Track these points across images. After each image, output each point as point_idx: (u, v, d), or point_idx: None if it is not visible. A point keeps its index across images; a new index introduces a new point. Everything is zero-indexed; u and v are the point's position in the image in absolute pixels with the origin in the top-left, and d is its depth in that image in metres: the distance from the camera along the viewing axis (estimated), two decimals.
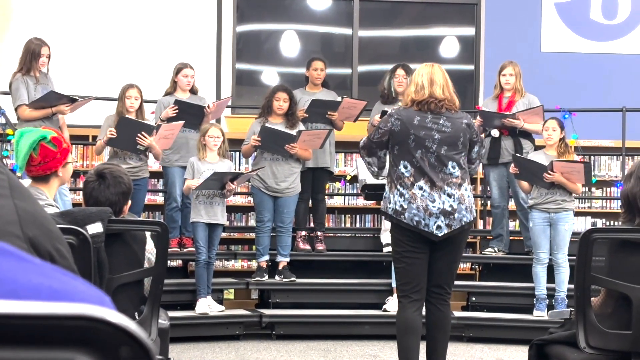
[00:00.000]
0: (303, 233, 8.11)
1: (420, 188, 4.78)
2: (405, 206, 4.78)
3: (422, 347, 4.95)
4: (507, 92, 7.81)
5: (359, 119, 8.05)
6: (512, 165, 7.34)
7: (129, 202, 3.93)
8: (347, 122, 8.03)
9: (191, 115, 7.56)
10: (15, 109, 7.23)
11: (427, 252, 4.84)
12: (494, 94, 7.91)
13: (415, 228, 4.77)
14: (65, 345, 0.82)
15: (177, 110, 7.50)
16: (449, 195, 4.79)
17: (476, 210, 9.33)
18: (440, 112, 4.84)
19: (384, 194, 4.97)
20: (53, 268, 0.98)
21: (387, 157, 5.02)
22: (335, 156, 8.28)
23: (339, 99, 7.97)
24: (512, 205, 8.20)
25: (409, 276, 4.84)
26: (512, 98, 7.78)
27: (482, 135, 8.09)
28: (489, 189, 8.23)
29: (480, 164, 8.25)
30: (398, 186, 4.83)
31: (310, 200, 8.13)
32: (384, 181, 5.11)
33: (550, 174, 7.03)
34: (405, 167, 4.82)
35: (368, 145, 4.99)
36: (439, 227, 4.77)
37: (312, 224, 8.27)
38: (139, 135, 7.17)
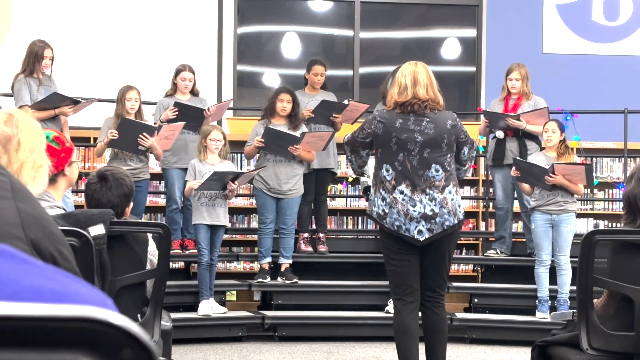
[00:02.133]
0: (305, 235, 8.11)
1: (401, 192, 4.74)
2: (387, 210, 4.75)
3: (422, 348, 4.95)
4: (513, 95, 7.82)
5: (360, 120, 8.05)
6: (514, 168, 7.33)
7: (131, 204, 3.93)
8: (347, 124, 8.05)
9: (191, 117, 7.56)
10: None
11: (416, 254, 4.80)
12: (502, 96, 7.91)
13: (396, 233, 4.75)
14: (68, 347, 0.82)
15: (176, 113, 7.50)
16: (431, 199, 4.74)
17: (478, 212, 9.41)
18: (424, 113, 4.77)
19: (370, 197, 4.95)
20: (55, 270, 0.98)
21: (370, 158, 5.00)
22: (337, 158, 8.28)
23: (346, 101, 7.98)
24: (516, 206, 8.19)
25: (400, 279, 4.82)
26: (518, 101, 7.78)
27: (477, 137, 8.11)
28: (492, 190, 8.22)
29: (486, 165, 8.27)
30: (381, 190, 4.80)
31: (312, 202, 8.13)
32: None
33: (551, 177, 7.03)
34: (387, 171, 4.78)
35: (352, 142, 4.93)
36: (420, 232, 4.73)
37: (314, 226, 8.27)
38: (140, 136, 7.18)
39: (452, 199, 4.78)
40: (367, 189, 7.54)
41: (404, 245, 4.78)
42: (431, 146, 4.75)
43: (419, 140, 4.74)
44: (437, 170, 4.76)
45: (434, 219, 4.72)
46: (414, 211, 4.71)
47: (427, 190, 4.73)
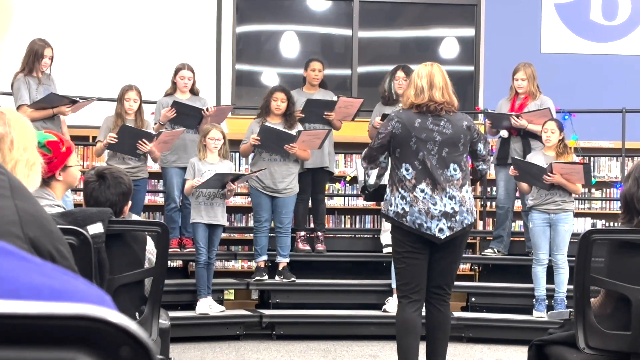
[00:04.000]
0: (303, 233, 8.11)
1: (422, 191, 4.80)
2: (407, 209, 4.79)
3: (422, 347, 4.96)
4: (520, 95, 7.83)
5: (358, 119, 8.06)
6: (512, 167, 7.34)
7: (130, 202, 3.94)
8: (346, 123, 8.04)
9: (189, 116, 7.56)
10: (17, 109, 7.24)
11: (427, 253, 4.86)
12: (509, 95, 7.92)
13: (417, 231, 4.79)
14: (66, 345, 0.83)
15: (175, 112, 7.50)
16: (451, 198, 4.80)
17: (476, 212, 9.40)
18: (440, 114, 4.84)
19: (385, 196, 4.98)
20: (54, 268, 0.99)
21: (388, 162, 5.02)
22: (334, 157, 8.28)
23: (335, 98, 7.97)
24: (518, 205, 8.20)
25: (409, 277, 4.85)
26: (524, 100, 7.79)
27: (489, 136, 8.13)
28: (495, 189, 8.23)
29: (491, 165, 8.28)
30: (400, 189, 4.84)
31: (310, 201, 8.13)
32: (385, 182, 5.11)
33: (550, 176, 7.04)
34: (407, 170, 4.83)
35: (368, 153, 5.01)
36: (441, 230, 4.78)
37: (312, 225, 8.27)
38: (139, 141, 7.19)
39: (469, 198, 4.90)
40: (364, 189, 7.52)
41: (419, 244, 4.83)
42: (449, 145, 4.83)
43: (438, 139, 4.81)
44: (455, 170, 4.83)
45: (454, 217, 4.79)
46: (435, 209, 4.77)
47: (447, 189, 4.80)
